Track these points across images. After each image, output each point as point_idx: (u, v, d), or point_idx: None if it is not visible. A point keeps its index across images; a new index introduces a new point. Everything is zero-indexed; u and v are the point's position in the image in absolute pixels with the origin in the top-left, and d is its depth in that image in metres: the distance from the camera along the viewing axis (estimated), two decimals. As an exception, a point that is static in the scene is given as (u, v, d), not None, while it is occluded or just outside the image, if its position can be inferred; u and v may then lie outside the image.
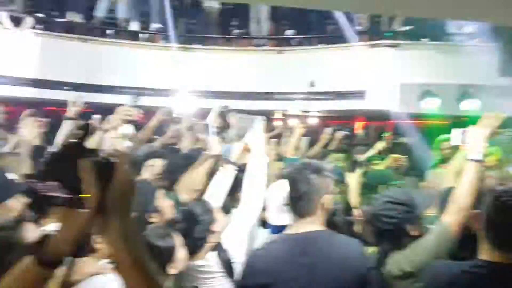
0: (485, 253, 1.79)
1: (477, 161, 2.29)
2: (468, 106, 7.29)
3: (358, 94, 7.66)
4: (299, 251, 2.05)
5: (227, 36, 8.50)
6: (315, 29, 8.04)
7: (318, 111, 8.54)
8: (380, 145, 6.74)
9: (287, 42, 8.18)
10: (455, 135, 2.61)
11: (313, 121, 9.35)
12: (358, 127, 10.33)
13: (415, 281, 2.13)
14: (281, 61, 7.94)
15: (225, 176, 2.80)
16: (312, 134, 9.17)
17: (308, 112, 8.46)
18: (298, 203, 2.12)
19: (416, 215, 2.29)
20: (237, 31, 8.50)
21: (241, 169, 2.80)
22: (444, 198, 2.40)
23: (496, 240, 1.77)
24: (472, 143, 2.36)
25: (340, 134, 7.31)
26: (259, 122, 2.94)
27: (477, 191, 2.22)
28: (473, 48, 7.40)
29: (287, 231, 2.20)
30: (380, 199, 2.39)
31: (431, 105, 7.30)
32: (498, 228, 1.77)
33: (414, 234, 2.26)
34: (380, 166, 5.78)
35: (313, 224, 2.10)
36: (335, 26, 7.84)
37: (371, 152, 6.71)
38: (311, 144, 6.65)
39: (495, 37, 7.26)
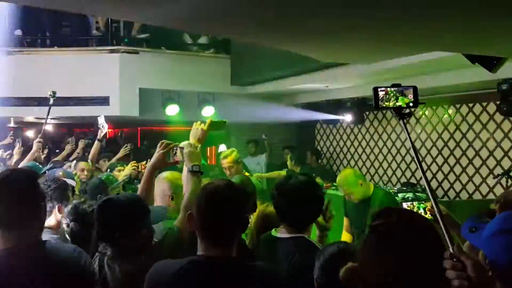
0: (201, 248, 1.94)
1: (194, 172, 2.60)
2: (207, 113, 7.80)
3: (101, 100, 7.46)
4: None
5: None
6: (48, 30, 7.48)
7: (58, 118, 8.01)
8: (123, 152, 6.78)
9: (16, 42, 7.41)
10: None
11: (54, 129, 8.81)
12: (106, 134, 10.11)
13: None
14: (9, 63, 7.16)
15: None
16: (56, 143, 8.63)
17: (49, 119, 7.86)
18: None
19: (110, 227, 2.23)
20: None
21: None
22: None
23: (205, 236, 1.94)
24: (187, 158, 2.68)
25: (83, 142, 7.11)
26: None
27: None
28: (209, 59, 7.99)
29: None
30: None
31: (172, 112, 7.59)
32: (204, 225, 1.94)
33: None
34: (123, 173, 5.76)
35: None
36: (70, 29, 7.48)
37: (115, 159, 6.68)
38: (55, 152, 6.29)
39: (226, 49, 7.98)
